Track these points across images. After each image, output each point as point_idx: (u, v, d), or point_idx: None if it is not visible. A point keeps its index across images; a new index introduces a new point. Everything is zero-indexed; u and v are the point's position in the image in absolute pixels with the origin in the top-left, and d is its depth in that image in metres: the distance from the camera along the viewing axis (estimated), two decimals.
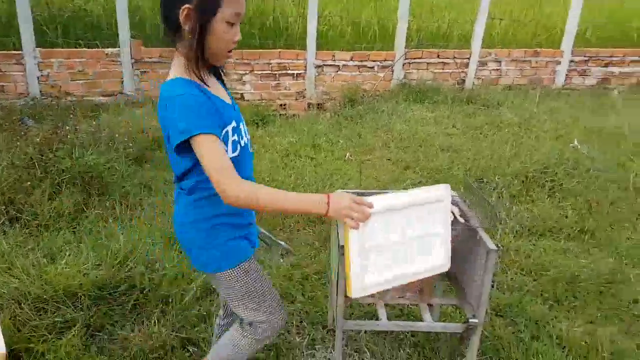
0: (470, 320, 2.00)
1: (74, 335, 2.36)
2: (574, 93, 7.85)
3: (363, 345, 2.47)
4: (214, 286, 1.83)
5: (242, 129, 1.68)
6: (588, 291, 2.93)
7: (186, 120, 1.42)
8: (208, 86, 1.54)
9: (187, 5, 1.44)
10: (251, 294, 1.74)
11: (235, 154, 1.61)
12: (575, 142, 5.26)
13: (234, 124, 1.60)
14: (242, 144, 1.65)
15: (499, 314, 2.76)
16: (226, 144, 1.55)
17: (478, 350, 2.42)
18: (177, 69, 1.52)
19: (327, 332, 2.56)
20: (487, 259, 1.93)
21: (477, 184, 4.31)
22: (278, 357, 2.40)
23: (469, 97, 6.98)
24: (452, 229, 1.96)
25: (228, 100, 1.66)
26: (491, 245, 1.93)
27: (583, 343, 2.50)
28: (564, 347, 2.50)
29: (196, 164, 1.51)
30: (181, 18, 1.45)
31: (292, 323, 2.62)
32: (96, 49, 6.35)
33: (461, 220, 2.07)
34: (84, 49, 6.37)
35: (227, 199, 1.44)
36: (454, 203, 2.23)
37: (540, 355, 2.41)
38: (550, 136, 5.54)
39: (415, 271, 1.83)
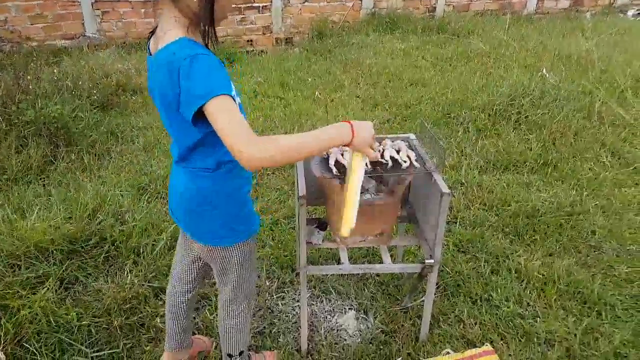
0: (426, 261, 2.09)
1: (47, 289, 2.41)
2: (546, 17, 7.78)
3: (329, 286, 2.59)
4: (210, 261, 1.75)
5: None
6: (548, 224, 3.05)
7: (206, 82, 1.28)
8: (208, 46, 1.43)
9: None
10: (252, 266, 1.78)
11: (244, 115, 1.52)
12: (544, 71, 5.27)
13: (233, 84, 1.51)
14: (240, 102, 1.54)
15: (461, 250, 2.88)
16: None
17: (438, 286, 2.57)
18: (177, 29, 1.37)
19: (296, 275, 2.65)
20: (440, 202, 2.00)
21: (442, 119, 4.35)
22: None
23: (440, 26, 6.89)
24: (405, 176, 2.02)
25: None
26: (445, 188, 1.99)
27: (540, 275, 2.64)
28: (522, 280, 2.64)
29: (207, 136, 1.41)
30: None
31: (262, 268, 2.71)
32: None
33: (416, 164, 2.12)
34: None
35: (254, 160, 1.26)
36: (411, 147, 2.28)
37: (498, 289, 2.55)
38: (519, 65, 5.55)
39: None
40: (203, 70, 1.29)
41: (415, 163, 2.13)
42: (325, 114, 4.49)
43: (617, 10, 8.20)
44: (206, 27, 1.37)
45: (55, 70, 4.70)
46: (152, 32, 1.51)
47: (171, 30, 1.37)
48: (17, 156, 3.59)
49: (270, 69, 5.76)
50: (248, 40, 6.87)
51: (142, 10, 6.29)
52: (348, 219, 1.64)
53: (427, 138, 2.26)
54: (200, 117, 1.32)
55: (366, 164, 2.17)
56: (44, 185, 3.42)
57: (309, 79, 5.43)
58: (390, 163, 2.14)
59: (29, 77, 4.17)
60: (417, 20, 7.00)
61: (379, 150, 2.24)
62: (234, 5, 1.46)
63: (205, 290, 2.55)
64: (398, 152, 2.24)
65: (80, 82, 4.56)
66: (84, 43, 6.23)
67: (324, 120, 4.38)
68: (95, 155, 3.81)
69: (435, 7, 7.45)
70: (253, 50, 6.74)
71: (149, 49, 1.50)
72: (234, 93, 1.38)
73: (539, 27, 7.14)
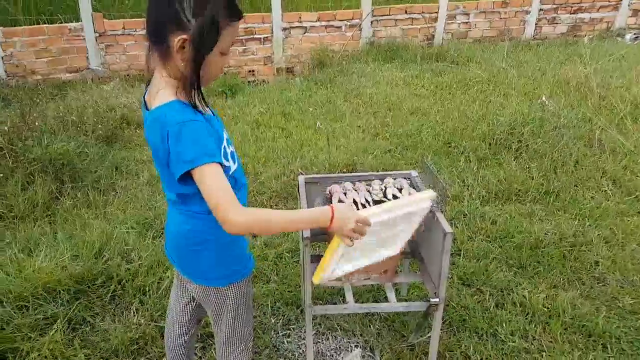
0: (431, 300, 2.11)
1: (56, 331, 2.43)
2: (544, 43, 7.89)
3: (335, 324, 2.60)
4: (204, 303, 1.77)
5: (228, 137, 1.63)
6: (551, 256, 3.07)
7: (193, 150, 1.36)
8: (198, 106, 1.47)
9: (183, 37, 1.36)
10: (248, 307, 1.79)
11: (235, 165, 1.59)
12: (543, 98, 5.33)
13: (225, 135, 1.58)
14: (233, 150, 1.62)
15: (465, 283, 2.90)
16: (226, 159, 1.53)
17: (444, 321, 2.58)
18: (168, 90, 1.44)
19: (301, 312, 2.67)
20: (444, 241, 2.02)
21: (443, 149, 4.40)
22: (254, 340, 2.51)
23: (438, 54, 6.98)
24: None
25: (210, 113, 1.60)
26: (447, 228, 2.01)
27: (545, 309, 2.65)
28: (527, 313, 2.64)
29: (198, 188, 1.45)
30: (175, 47, 1.38)
31: (268, 304, 2.72)
32: (58, 25, 6.19)
33: None
34: (46, 25, 6.19)
35: (234, 226, 1.37)
36: (412, 185, 2.32)
37: (504, 324, 2.55)
38: (518, 92, 5.61)
39: (376, 260, 1.90)
40: (191, 138, 1.36)
41: None
42: (327, 144, 4.54)
43: (615, 35, 8.30)
44: (192, 90, 1.43)
45: (60, 106, 4.77)
46: (148, 82, 1.56)
47: (162, 90, 1.44)
48: (24, 193, 3.64)
49: (271, 99, 5.83)
50: (250, 71, 6.97)
51: (146, 43, 6.39)
52: (322, 268, 1.66)
53: (429, 175, 2.29)
54: (189, 175, 1.40)
55: (369, 203, 2.22)
56: (50, 222, 3.46)
57: (310, 109, 5.50)
58: None
59: (35, 114, 4.24)
60: (416, 49, 7.10)
61: (382, 189, 2.28)
62: (224, 67, 1.54)
63: (211, 329, 2.56)
64: (400, 190, 2.28)
65: (85, 117, 4.63)
66: (88, 76, 6.33)
67: (326, 152, 4.42)
68: (100, 191, 3.84)
69: (434, 35, 7.56)
70: (255, 80, 6.83)
71: (144, 100, 1.55)
72: (222, 153, 1.48)
73: (537, 53, 7.23)
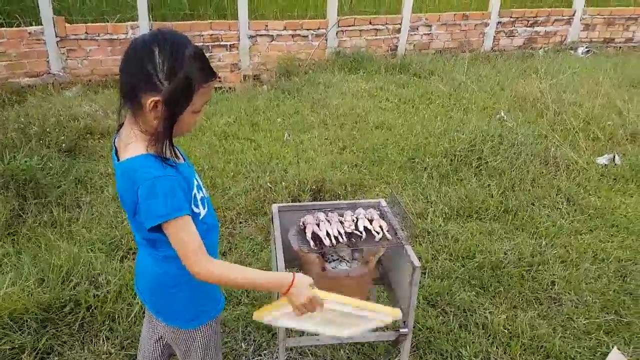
0: (400, 329, 2.19)
1: None
2: (502, 55, 8.14)
3: (306, 349, 2.66)
4: (173, 343, 1.79)
5: (199, 182, 1.66)
6: (511, 276, 3.21)
7: (164, 205, 1.40)
8: (167, 158, 1.49)
9: (155, 98, 1.38)
10: (217, 346, 1.82)
11: (205, 210, 1.61)
12: (502, 113, 5.54)
13: (195, 181, 1.60)
14: (204, 194, 1.65)
15: (430, 302, 3.00)
16: (196, 205, 1.56)
17: (412, 346, 2.67)
18: (138, 144, 1.46)
19: (272, 336, 2.71)
20: (413, 274, 2.11)
21: (407, 164, 4.52)
22: None
23: (402, 65, 7.12)
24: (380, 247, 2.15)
25: (182, 159, 1.63)
26: (416, 262, 2.10)
27: (505, 330, 2.78)
28: (489, 335, 2.77)
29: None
30: (147, 107, 1.40)
31: (238, 329, 2.76)
32: (18, 28, 6.01)
33: (389, 236, 2.23)
34: (5, 28, 5.99)
35: (200, 276, 1.44)
36: (382, 217, 2.39)
37: (467, 346, 2.67)
38: (478, 107, 5.80)
39: (333, 335, 1.87)
40: (161, 193, 1.40)
41: (387, 234, 2.25)
42: (296, 157, 4.59)
43: (568, 48, 8.64)
44: (164, 145, 1.46)
45: (20, 116, 4.65)
46: (120, 126, 1.57)
47: (132, 144, 1.46)
48: None
49: (239, 107, 5.83)
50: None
51: (109, 48, 6.29)
52: (264, 311, 1.67)
53: (397, 207, 2.38)
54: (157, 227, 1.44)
55: (341, 235, 2.28)
56: (12, 242, 3.38)
57: (279, 119, 5.53)
58: (364, 234, 2.26)
59: None
60: (380, 59, 7.22)
61: (353, 220, 2.35)
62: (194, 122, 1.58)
63: None
64: (371, 222, 2.36)
65: (47, 128, 4.52)
66: (48, 81, 6.16)
67: (295, 165, 4.46)
68: (65, 208, 3.78)
69: (397, 46, 7.70)
70: (222, 87, 6.80)
71: (114, 146, 1.57)
72: (193, 201, 1.53)
73: (496, 66, 7.46)
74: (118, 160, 1.51)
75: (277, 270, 2.10)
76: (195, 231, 1.46)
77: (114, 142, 1.58)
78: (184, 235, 1.44)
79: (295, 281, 1.52)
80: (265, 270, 1.77)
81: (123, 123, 1.55)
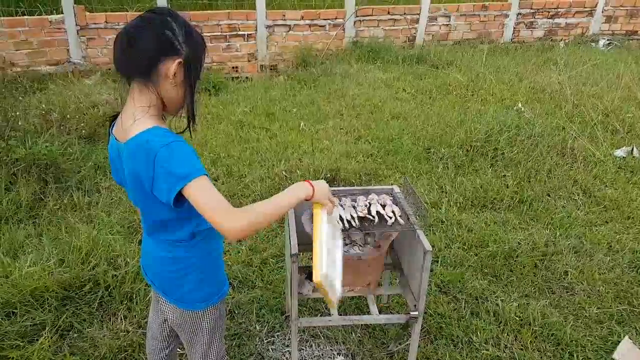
0: (411, 313, 2.22)
1: (44, 338, 2.48)
2: (521, 47, 8.06)
3: (318, 331, 2.70)
4: (178, 326, 1.79)
5: None
6: (524, 265, 3.21)
7: (185, 165, 1.40)
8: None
9: (179, 60, 1.45)
10: (221, 332, 1.85)
11: None
12: (520, 105, 5.50)
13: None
14: None
15: (442, 290, 3.03)
16: None
17: (422, 329, 2.70)
18: (147, 119, 1.47)
19: (285, 319, 2.76)
20: (424, 259, 2.13)
21: (423, 154, 4.52)
22: (240, 347, 2.60)
23: (419, 56, 7.09)
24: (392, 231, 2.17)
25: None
26: (427, 246, 2.12)
27: (517, 318, 2.79)
28: (500, 322, 2.78)
29: (180, 213, 1.52)
30: (171, 71, 1.44)
31: (253, 311, 2.81)
32: (39, 17, 6.11)
33: (401, 221, 2.26)
34: (27, 17, 6.10)
35: (233, 235, 1.41)
36: (394, 202, 2.42)
37: (478, 332, 2.69)
38: (496, 98, 5.76)
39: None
40: (180, 156, 1.41)
41: (399, 219, 2.27)
42: (311, 147, 4.62)
43: (589, 40, 8.52)
44: (192, 103, 1.54)
45: (42, 103, 4.75)
46: (114, 117, 1.60)
47: (140, 120, 1.46)
48: (7, 194, 3.64)
49: (255, 97, 5.87)
50: (233, 67, 6.99)
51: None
52: (316, 266, 1.69)
53: (410, 194, 2.40)
54: (177, 198, 1.43)
55: (354, 219, 2.31)
56: (34, 224, 3.47)
57: (294, 109, 5.56)
58: (376, 219, 2.28)
59: (17, 112, 4.22)
60: (397, 50, 7.20)
61: (366, 205, 2.38)
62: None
63: None
64: (384, 207, 2.38)
65: (67, 115, 4.62)
66: (68, 69, 6.27)
67: (310, 154, 4.50)
68: (84, 192, 3.86)
69: (415, 37, 7.66)
70: (238, 77, 6.85)
71: (110, 133, 1.58)
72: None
73: (515, 57, 7.39)
74: (122, 145, 1.51)
75: (291, 253, 2.13)
76: (217, 191, 1.44)
77: (110, 130, 1.60)
78: (208, 194, 1.41)
79: (313, 183, 1.66)
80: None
81: (118, 113, 1.58)
